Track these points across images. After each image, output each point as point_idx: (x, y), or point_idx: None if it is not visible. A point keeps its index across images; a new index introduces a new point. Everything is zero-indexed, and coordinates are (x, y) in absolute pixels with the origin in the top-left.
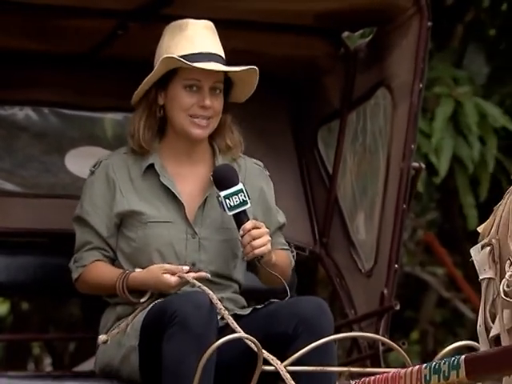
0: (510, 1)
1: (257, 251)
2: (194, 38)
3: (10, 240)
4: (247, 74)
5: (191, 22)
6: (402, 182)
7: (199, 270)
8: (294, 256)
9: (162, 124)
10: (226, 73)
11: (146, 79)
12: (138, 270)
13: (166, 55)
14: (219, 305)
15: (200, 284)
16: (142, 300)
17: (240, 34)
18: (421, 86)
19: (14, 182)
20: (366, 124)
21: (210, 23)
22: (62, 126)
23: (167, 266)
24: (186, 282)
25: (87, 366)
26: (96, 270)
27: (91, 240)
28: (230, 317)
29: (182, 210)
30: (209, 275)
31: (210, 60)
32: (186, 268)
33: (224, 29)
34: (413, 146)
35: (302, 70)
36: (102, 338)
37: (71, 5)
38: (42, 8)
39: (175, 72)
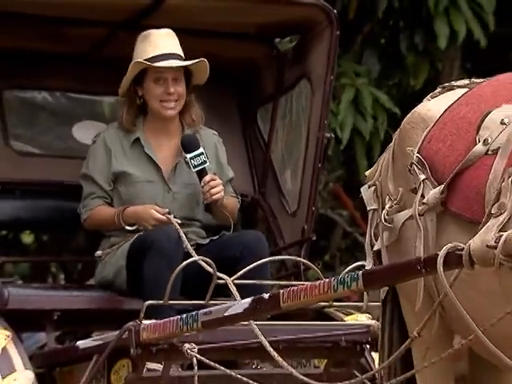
0: (395, 17)
1: (214, 197)
2: (156, 44)
3: (32, 189)
4: (202, 66)
5: (154, 31)
6: (318, 147)
7: (175, 216)
8: (239, 202)
9: (144, 108)
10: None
11: (124, 78)
12: None
13: (134, 60)
14: (184, 238)
15: (178, 227)
16: (130, 228)
17: (200, 40)
18: (331, 78)
19: (35, 146)
20: (292, 105)
21: (169, 30)
22: (70, 106)
23: (156, 207)
24: (163, 222)
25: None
26: (100, 210)
27: (95, 191)
28: (193, 247)
29: (160, 172)
30: (179, 221)
31: (168, 58)
32: (167, 210)
33: (188, 36)
34: (325, 122)
35: (246, 67)
36: (98, 253)
37: (76, 16)
38: (53, 18)
39: (146, 71)
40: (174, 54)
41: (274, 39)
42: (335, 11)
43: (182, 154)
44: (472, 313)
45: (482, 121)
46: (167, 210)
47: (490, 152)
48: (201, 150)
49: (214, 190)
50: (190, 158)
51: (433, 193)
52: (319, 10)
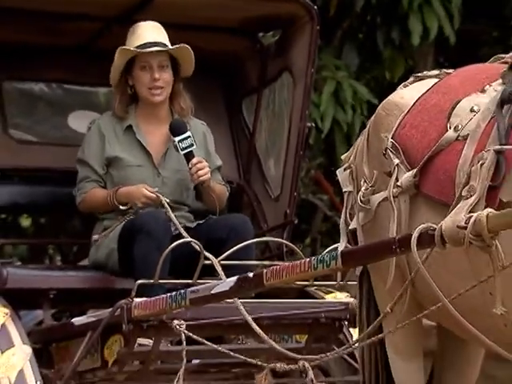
0: (373, 13)
1: (201, 178)
2: (142, 34)
3: (30, 175)
4: (186, 53)
5: (141, 24)
6: (300, 136)
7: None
8: (228, 190)
9: (136, 96)
10: (170, 53)
11: (112, 66)
12: None
13: (120, 48)
14: (175, 220)
15: (167, 206)
16: (123, 208)
17: (187, 34)
18: (312, 70)
19: (33, 134)
20: (275, 97)
21: (155, 23)
22: (66, 96)
23: (147, 186)
24: (153, 200)
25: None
26: (95, 193)
27: (90, 175)
28: (182, 229)
29: (150, 158)
30: (168, 200)
31: (153, 46)
32: (156, 189)
33: (176, 30)
34: (307, 112)
35: (231, 60)
36: (94, 237)
37: (72, 11)
38: (51, 13)
39: (134, 60)
40: (158, 42)
41: (257, 33)
42: (316, 7)
43: (172, 139)
44: (442, 290)
45: (453, 108)
46: (157, 188)
47: (460, 138)
48: (188, 133)
49: (201, 172)
50: (178, 141)
51: (406, 176)
52: (300, 6)
